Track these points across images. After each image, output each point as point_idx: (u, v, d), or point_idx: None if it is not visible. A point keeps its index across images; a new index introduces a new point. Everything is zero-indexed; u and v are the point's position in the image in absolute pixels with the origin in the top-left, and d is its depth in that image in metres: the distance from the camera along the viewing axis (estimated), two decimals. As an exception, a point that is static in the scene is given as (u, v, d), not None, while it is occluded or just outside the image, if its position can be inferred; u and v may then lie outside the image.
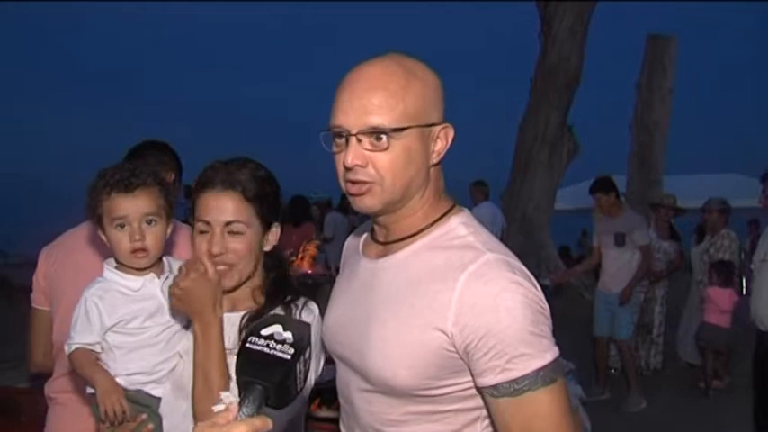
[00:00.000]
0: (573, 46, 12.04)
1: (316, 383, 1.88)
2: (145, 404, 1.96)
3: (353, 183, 1.49)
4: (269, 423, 1.15)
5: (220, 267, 1.87)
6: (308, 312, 1.94)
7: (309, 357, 1.28)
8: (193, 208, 1.91)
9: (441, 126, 1.52)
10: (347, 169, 1.48)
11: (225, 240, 1.87)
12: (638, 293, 6.81)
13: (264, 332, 1.23)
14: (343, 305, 1.68)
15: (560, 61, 12.00)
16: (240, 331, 1.90)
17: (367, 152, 1.46)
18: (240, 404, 1.16)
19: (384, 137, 1.44)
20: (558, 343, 1.44)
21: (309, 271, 6.43)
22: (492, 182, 10.65)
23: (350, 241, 1.83)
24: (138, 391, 1.95)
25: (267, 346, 1.21)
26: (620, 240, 6.66)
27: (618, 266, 6.70)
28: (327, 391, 3.19)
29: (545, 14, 12.26)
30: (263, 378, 1.19)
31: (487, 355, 1.38)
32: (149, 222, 1.95)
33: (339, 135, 1.49)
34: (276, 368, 1.20)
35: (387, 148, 1.45)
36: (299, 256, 6.35)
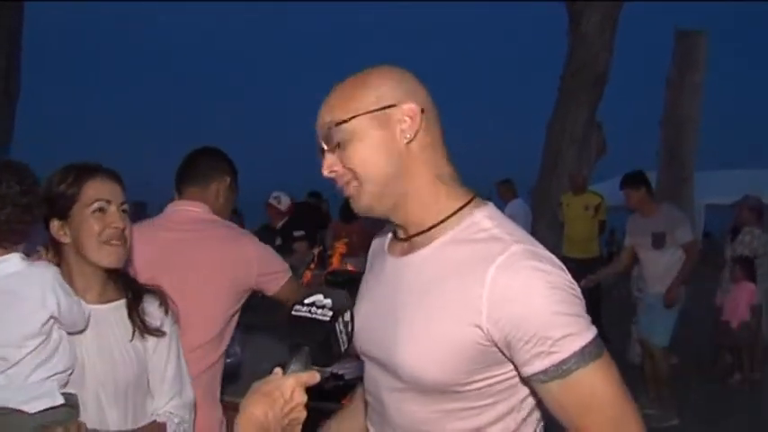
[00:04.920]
0: (601, 43, 11.92)
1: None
2: (72, 404, 1.88)
3: (342, 187, 1.54)
4: (316, 376, 1.33)
5: (117, 242, 1.96)
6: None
7: (351, 320, 1.41)
8: (73, 195, 1.95)
9: (399, 107, 1.48)
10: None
11: (123, 219, 1.98)
12: (681, 295, 6.03)
13: (307, 300, 1.37)
14: (371, 303, 1.66)
15: (588, 59, 11.89)
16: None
17: (334, 156, 1.50)
18: (289, 364, 1.32)
19: (334, 135, 1.48)
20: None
21: (337, 269, 6.41)
22: (520, 181, 10.67)
23: (376, 241, 1.82)
24: (71, 394, 1.89)
25: (309, 311, 1.35)
26: (659, 241, 5.96)
27: (660, 269, 6.01)
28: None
29: (572, 12, 12.17)
30: (307, 339, 1.34)
31: (530, 343, 1.37)
32: None
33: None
34: (317, 329, 1.34)
35: (342, 145, 1.48)
36: (328, 253, 6.35)
